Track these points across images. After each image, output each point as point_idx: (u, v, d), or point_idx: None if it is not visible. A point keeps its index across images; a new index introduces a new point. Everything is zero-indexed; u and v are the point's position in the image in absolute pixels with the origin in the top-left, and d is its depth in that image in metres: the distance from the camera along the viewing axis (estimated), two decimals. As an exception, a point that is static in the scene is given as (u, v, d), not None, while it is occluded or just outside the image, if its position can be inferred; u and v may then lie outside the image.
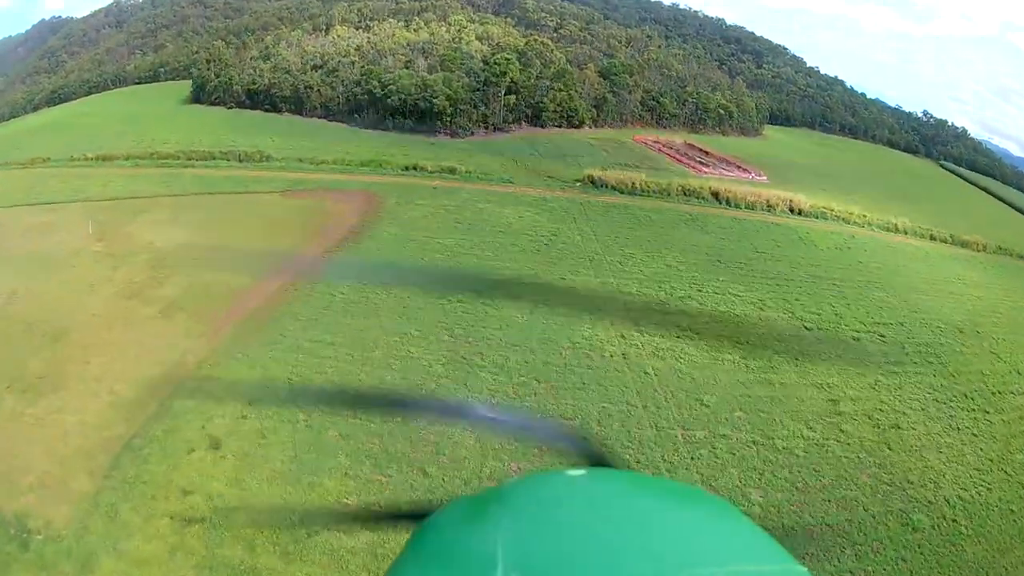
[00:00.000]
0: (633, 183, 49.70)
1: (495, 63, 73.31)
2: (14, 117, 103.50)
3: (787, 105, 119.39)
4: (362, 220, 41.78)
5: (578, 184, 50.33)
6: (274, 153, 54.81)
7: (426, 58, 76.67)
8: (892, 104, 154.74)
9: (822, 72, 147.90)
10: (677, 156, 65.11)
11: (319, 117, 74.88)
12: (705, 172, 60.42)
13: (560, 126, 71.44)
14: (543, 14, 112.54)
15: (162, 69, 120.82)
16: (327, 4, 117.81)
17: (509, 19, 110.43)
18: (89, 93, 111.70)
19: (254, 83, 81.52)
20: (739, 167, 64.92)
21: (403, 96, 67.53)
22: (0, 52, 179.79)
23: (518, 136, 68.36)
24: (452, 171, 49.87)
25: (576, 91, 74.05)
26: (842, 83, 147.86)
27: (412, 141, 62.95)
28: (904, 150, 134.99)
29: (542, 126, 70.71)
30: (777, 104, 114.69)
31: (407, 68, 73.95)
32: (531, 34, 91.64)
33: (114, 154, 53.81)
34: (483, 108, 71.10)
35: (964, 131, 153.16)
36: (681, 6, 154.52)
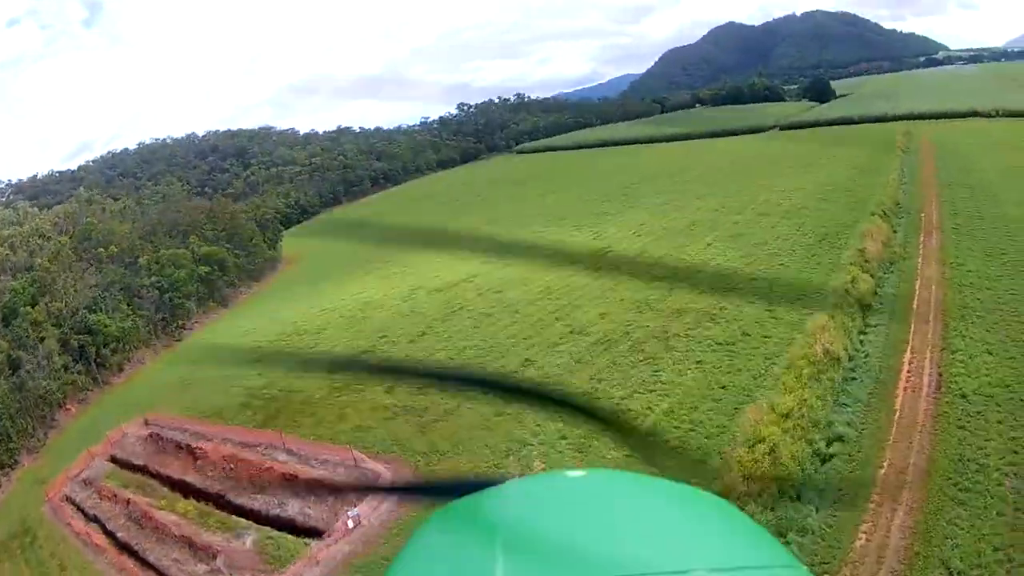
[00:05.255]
0: None
1: None
2: None
3: (299, 193, 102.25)
4: None
5: None
6: None
7: None
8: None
9: (321, 132, 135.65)
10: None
11: None
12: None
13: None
14: None
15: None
16: None
17: None
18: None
19: None
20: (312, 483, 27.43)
21: None
22: None
23: None
24: None
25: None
26: (350, 129, 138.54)
27: None
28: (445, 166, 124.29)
29: None
30: (286, 200, 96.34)
31: None
32: None
33: None
34: None
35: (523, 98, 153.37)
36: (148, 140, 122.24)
